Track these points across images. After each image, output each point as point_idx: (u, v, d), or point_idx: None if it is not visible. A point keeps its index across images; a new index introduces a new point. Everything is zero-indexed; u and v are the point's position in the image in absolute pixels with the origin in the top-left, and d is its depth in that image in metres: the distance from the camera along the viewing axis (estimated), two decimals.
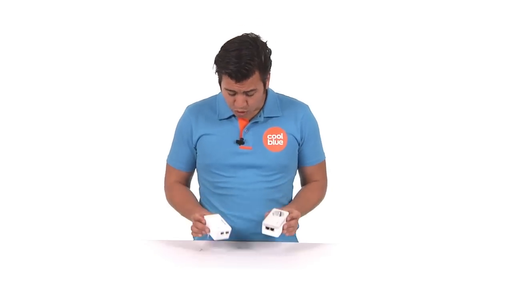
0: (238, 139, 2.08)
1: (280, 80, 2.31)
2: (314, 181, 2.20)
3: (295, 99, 2.18)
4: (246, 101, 1.98)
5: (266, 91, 2.12)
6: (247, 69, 1.91)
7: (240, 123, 2.09)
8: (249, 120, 2.09)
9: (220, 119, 2.10)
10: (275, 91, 2.18)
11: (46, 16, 3.76)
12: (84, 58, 3.79)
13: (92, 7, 3.77)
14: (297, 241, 2.23)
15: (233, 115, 2.09)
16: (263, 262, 1.85)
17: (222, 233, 1.89)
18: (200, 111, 2.14)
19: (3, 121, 3.78)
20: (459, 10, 3.70)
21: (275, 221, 1.90)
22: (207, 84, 2.32)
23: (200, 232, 1.93)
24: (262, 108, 2.10)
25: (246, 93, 1.96)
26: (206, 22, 3.65)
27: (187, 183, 2.22)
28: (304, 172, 2.20)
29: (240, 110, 2.00)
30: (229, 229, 1.90)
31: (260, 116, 2.08)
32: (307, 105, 2.18)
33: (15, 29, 3.76)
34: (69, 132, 3.81)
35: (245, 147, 2.08)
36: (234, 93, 1.96)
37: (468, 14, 3.70)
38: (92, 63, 3.79)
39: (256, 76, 1.94)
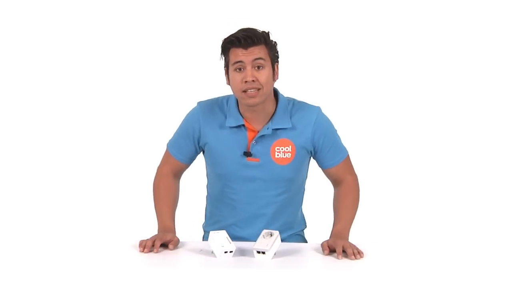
0: (246, 151, 2.07)
1: (289, 81, 2.31)
2: (341, 180, 2.15)
3: (306, 104, 2.14)
4: (256, 77, 1.96)
5: (277, 96, 2.10)
6: (255, 36, 1.95)
7: (248, 134, 2.07)
8: (258, 132, 2.07)
9: (230, 127, 2.08)
10: (285, 95, 2.16)
11: (62, 18, 3.79)
12: (90, 58, 3.81)
13: (104, 5, 3.78)
14: (306, 242, 2.25)
15: (243, 125, 2.07)
16: (264, 263, 1.84)
17: (226, 252, 1.87)
18: (211, 112, 2.11)
19: (6, 121, 3.78)
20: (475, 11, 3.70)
21: (265, 243, 1.85)
22: (212, 85, 2.32)
23: (143, 247, 1.90)
24: (271, 118, 2.07)
25: (254, 67, 1.95)
26: (213, 23, 3.65)
27: (180, 174, 2.21)
28: (331, 174, 2.17)
29: (250, 86, 1.96)
30: (233, 248, 1.88)
31: (268, 129, 2.06)
32: (319, 107, 2.14)
33: (21, 30, 3.76)
34: (72, 134, 3.82)
35: (253, 159, 2.07)
36: (242, 67, 1.96)
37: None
38: (97, 63, 3.81)
39: (263, 48, 1.97)
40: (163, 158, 2.21)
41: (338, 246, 1.89)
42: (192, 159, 2.19)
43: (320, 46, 3.77)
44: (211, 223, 2.25)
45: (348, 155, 2.17)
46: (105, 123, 3.82)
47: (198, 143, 2.14)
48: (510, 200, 3.63)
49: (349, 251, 1.87)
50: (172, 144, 2.18)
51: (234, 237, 2.08)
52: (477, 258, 1.93)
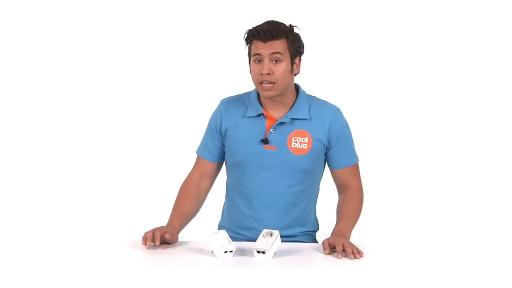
0: (264, 138, 2.09)
1: (310, 82, 2.31)
2: (347, 186, 2.16)
3: (326, 102, 2.18)
4: (272, 71, 2.01)
5: (297, 89, 2.15)
6: (276, 30, 2.00)
7: (267, 122, 2.11)
8: (276, 120, 2.10)
9: (249, 116, 2.13)
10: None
11: (81, 20, 3.79)
12: (110, 61, 3.82)
13: (121, 5, 3.79)
14: (317, 242, 2.24)
15: (262, 114, 2.11)
16: (264, 262, 1.84)
17: (225, 251, 1.87)
18: (232, 104, 2.19)
19: (13, 121, 3.79)
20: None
21: (265, 243, 1.85)
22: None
23: (145, 240, 1.92)
24: (290, 108, 2.11)
25: (272, 60, 2.00)
26: (233, 23, 3.64)
27: (210, 176, 2.23)
28: (337, 176, 2.18)
29: (266, 79, 2.01)
30: (233, 248, 1.88)
31: (286, 117, 2.09)
32: (338, 108, 2.17)
33: (33, 34, 3.76)
34: (73, 134, 3.82)
35: (270, 147, 2.10)
36: (260, 59, 2.01)
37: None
38: (114, 65, 3.82)
39: (283, 42, 2.02)
40: (194, 164, 2.25)
41: (338, 244, 1.89)
42: (221, 157, 2.21)
43: (347, 50, 3.76)
44: (226, 215, 2.27)
45: (358, 163, 2.19)
46: (106, 123, 3.82)
47: (221, 134, 2.18)
48: (510, 200, 3.63)
49: (348, 250, 1.87)
50: (200, 147, 2.24)
51: (247, 228, 2.14)
52: (477, 258, 1.93)
